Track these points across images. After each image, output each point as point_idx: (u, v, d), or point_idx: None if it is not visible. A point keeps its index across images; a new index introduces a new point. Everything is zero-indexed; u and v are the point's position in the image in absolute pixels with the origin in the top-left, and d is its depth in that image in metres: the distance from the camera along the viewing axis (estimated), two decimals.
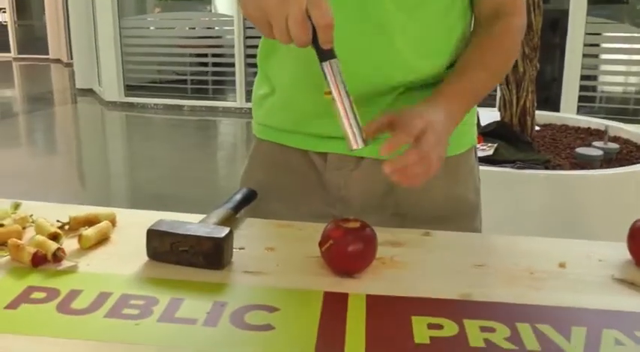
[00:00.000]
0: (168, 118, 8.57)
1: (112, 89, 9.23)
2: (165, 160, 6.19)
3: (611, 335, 0.80)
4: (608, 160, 2.83)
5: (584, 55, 6.62)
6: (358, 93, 0.96)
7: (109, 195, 5.17)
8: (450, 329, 0.80)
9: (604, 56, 7.27)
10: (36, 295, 0.86)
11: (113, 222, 1.10)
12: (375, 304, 0.86)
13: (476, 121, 1.31)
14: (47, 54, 17.43)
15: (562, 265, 0.99)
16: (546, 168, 2.66)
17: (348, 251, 0.91)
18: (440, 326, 0.80)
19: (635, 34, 6.98)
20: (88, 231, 1.02)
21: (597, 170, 2.66)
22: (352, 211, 1.18)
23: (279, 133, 1.25)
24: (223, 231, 0.95)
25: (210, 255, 0.93)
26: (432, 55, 1.15)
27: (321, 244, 0.93)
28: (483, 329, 0.80)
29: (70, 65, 13.73)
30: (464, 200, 1.25)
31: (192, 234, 0.94)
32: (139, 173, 5.87)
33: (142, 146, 7.02)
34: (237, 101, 8.52)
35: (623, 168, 2.67)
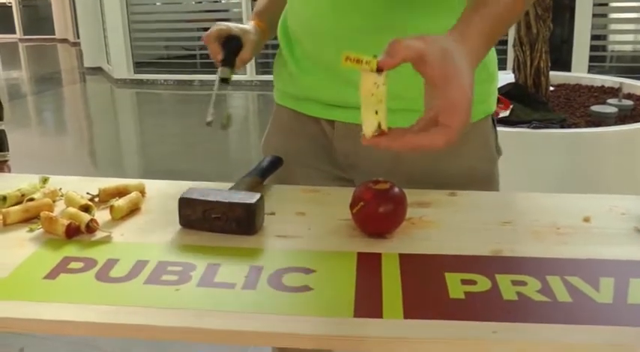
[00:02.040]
0: (178, 94, 8.56)
1: (121, 66, 9.21)
2: (177, 136, 6.20)
3: (638, 284, 0.81)
4: (623, 117, 2.82)
5: (594, 15, 6.56)
6: None
7: (122, 172, 5.19)
8: (483, 284, 0.81)
9: (613, 15, 7.20)
10: (73, 265, 0.88)
11: (142, 193, 1.11)
12: (408, 263, 0.87)
13: (494, 90, 1.25)
14: (53, 34, 17.38)
15: (586, 219, 1.00)
16: (562, 127, 2.65)
17: (379, 212, 0.92)
18: (473, 282, 0.82)
19: None
20: (119, 202, 1.04)
21: (613, 127, 2.65)
22: (363, 178, 1.19)
23: (294, 100, 1.28)
24: (254, 197, 0.96)
25: (243, 220, 0.94)
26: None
27: (352, 206, 0.94)
28: (515, 282, 0.81)
29: (77, 44, 13.69)
30: (477, 170, 1.22)
31: (223, 200, 0.96)
32: (151, 149, 5.89)
33: (154, 122, 7.03)
34: (248, 74, 8.48)
35: (638, 124, 2.67)
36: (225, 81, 1.28)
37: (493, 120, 1.28)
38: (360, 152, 1.20)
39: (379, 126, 0.79)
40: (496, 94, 1.28)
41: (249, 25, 1.34)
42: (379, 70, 0.76)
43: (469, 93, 0.78)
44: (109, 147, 6.13)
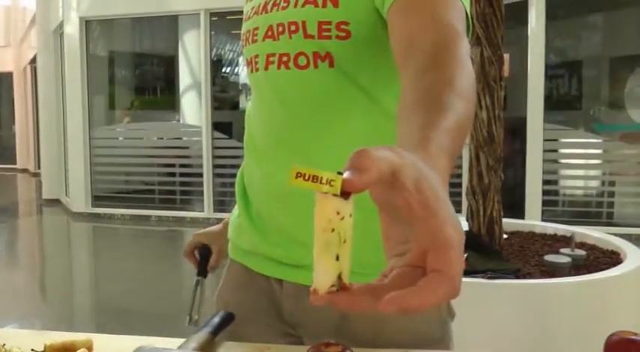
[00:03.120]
0: (135, 229, 8.51)
1: (79, 200, 9.19)
2: (131, 273, 6.10)
3: None
4: (577, 267, 2.87)
5: (545, 161, 6.82)
6: None
7: (73, 311, 5.05)
8: None
9: (563, 161, 7.48)
10: None
11: (90, 349, 1.08)
12: None
13: None
14: (14, 163, 17.42)
15: None
16: (517, 277, 2.69)
17: None
18: None
19: (591, 140, 7.24)
20: None
21: (567, 277, 2.68)
22: (311, 336, 1.18)
23: (244, 254, 1.28)
24: None
25: None
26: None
27: None
28: None
29: (37, 175, 13.70)
30: (425, 335, 1.16)
31: None
32: (104, 287, 5.77)
33: (108, 258, 6.93)
34: (205, 211, 8.52)
35: (592, 274, 2.71)
36: (198, 283, 1.50)
37: None
38: (307, 312, 1.17)
39: (339, 277, 0.58)
40: None
41: (222, 225, 1.47)
42: (345, 194, 0.55)
43: (460, 227, 0.58)
44: (61, 284, 5.99)
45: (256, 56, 1.17)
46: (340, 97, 1.11)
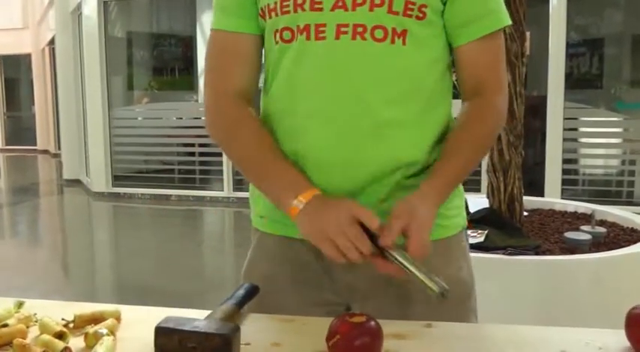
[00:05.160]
0: (155, 208, 8.57)
1: (99, 180, 9.26)
2: (152, 251, 6.16)
3: None
4: (597, 244, 2.86)
5: (565, 139, 6.76)
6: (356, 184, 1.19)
7: (94, 288, 5.12)
8: None
9: (583, 140, 7.42)
10: None
11: (118, 320, 1.11)
12: None
13: (464, 204, 1.35)
14: (35, 145, 17.56)
15: None
16: (537, 253, 2.68)
17: (355, 345, 0.92)
18: None
19: (612, 118, 7.17)
20: (95, 329, 1.03)
21: (587, 254, 2.68)
22: (358, 297, 1.24)
23: (283, 226, 1.27)
24: (231, 327, 0.96)
25: (219, 351, 0.94)
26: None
27: (328, 339, 0.94)
28: None
29: (57, 156, 13.81)
30: (459, 280, 1.28)
31: (200, 330, 0.96)
32: (125, 265, 5.83)
33: (129, 237, 7.00)
34: (225, 190, 8.55)
35: (612, 251, 2.71)
36: None
37: (466, 234, 1.35)
38: (356, 269, 1.18)
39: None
40: (464, 208, 1.35)
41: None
42: None
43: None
44: (82, 261, 6.06)
45: (322, 25, 1.17)
46: (414, 73, 1.20)
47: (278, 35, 1.22)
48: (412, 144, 1.21)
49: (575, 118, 6.92)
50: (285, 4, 1.19)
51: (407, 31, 1.17)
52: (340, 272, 1.24)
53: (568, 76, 6.79)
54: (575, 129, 7.08)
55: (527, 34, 3.17)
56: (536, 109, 6.91)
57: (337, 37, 1.16)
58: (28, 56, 17.89)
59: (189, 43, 10.34)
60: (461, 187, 1.31)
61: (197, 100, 9.98)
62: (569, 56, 6.98)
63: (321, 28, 1.17)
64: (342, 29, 1.16)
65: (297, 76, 1.21)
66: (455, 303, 1.19)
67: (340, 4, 1.15)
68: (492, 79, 1.26)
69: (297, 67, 1.21)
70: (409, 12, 1.16)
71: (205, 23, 9.60)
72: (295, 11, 1.18)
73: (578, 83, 7.56)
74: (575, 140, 7.17)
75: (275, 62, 1.25)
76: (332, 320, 0.97)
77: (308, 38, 1.18)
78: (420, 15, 1.17)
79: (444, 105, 1.25)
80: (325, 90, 1.19)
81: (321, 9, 1.16)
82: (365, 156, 1.19)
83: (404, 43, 1.17)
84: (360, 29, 1.15)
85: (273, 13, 1.21)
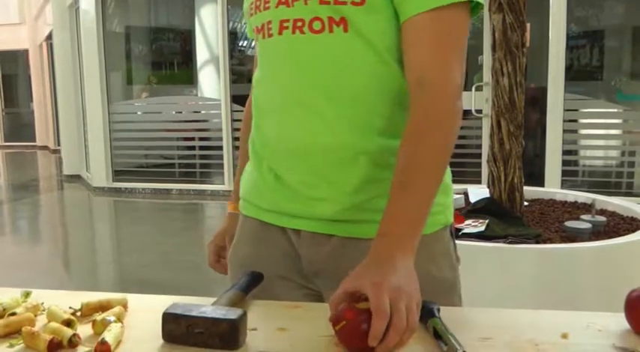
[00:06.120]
0: (156, 202, 8.58)
1: (99, 174, 9.26)
2: (153, 245, 6.16)
3: None
4: (597, 233, 2.87)
5: (565, 131, 6.77)
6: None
7: (96, 282, 5.12)
8: None
9: (583, 131, 7.43)
10: None
11: (125, 307, 1.12)
12: None
13: (450, 202, 1.31)
14: (34, 141, 17.54)
15: (564, 336, 1.02)
16: (537, 242, 2.70)
17: (361, 330, 0.93)
18: None
19: (611, 110, 7.17)
20: (103, 317, 1.04)
21: (587, 242, 2.70)
22: (329, 287, 1.22)
23: (260, 211, 1.32)
24: (238, 313, 0.97)
25: (227, 336, 0.95)
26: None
27: (334, 324, 0.95)
28: None
29: (56, 152, 13.81)
30: (439, 278, 1.25)
31: (207, 316, 0.96)
32: (126, 259, 5.84)
33: (130, 231, 7.00)
34: (226, 184, 8.56)
35: (612, 239, 2.72)
36: None
37: (451, 232, 1.32)
38: (324, 260, 1.23)
39: None
40: (452, 207, 1.33)
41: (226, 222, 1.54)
42: None
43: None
44: (84, 256, 6.07)
45: (269, 22, 1.22)
46: (353, 59, 1.17)
47: (254, 35, 1.31)
48: (362, 131, 1.18)
49: (575, 110, 6.93)
50: (251, 6, 1.28)
51: (346, 19, 1.15)
52: (308, 260, 1.27)
53: (568, 68, 6.79)
54: (575, 121, 7.08)
55: (527, 25, 3.18)
56: (537, 101, 6.91)
57: (280, 33, 1.21)
58: (25, 52, 17.85)
59: (188, 37, 10.33)
60: (448, 182, 1.27)
61: (196, 94, 9.98)
62: (570, 48, 6.97)
63: (269, 26, 1.23)
64: (284, 24, 1.20)
65: (259, 72, 1.31)
66: (436, 300, 1.13)
67: (283, 0, 1.19)
68: (436, 66, 1.13)
69: (260, 64, 1.31)
70: None
71: (204, 17, 9.59)
72: (256, 12, 1.26)
73: (578, 75, 7.56)
74: (575, 131, 7.17)
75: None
76: (339, 307, 0.98)
77: (263, 36, 1.25)
78: (358, 0, 1.13)
79: (398, 93, 1.18)
80: (274, 84, 1.26)
81: (268, 7, 1.22)
82: (312, 144, 1.20)
83: (345, 30, 1.15)
84: (299, 24, 1.18)
85: (249, 16, 1.31)
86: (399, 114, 1.17)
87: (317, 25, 1.16)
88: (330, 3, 1.14)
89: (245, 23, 1.41)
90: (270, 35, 1.23)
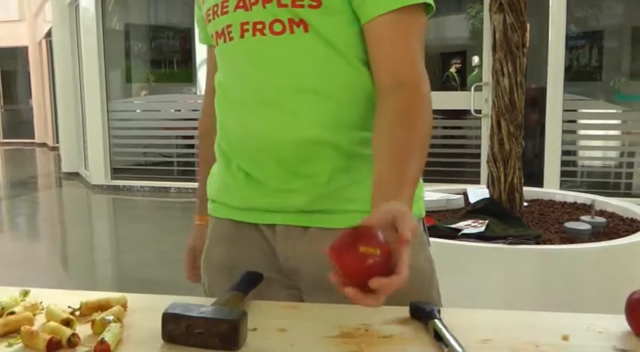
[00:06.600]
0: (154, 200, 8.57)
1: (98, 172, 9.25)
2: (152, 243, 6.16)
3: None
4: (597, 234, 2.87)
5: (564, 131, 6.77)
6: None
7: (95, 280, 5.12)
8: None
9: (582, 132, 7.43)
10: None
11: (124, 307, 1.11)
12: None
13: (422, 195, 1.33)
14: (33, 138, 17.53)
15: (565, 337, 1.01)
16: (537, 243, 2.69)
17: (388, 267, 0.89)
18: None
19: (610, 110, 7.17)
20: (102, 316, 1.03)
21: (588, 244, 2.69)
22: (306, 283, 1.26)
23: (233, 211, 1.32)
24: (238, 313, 0.97)
25: (227, 336, 0.94)
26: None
27: (365, 247, 0.90)
28: None
29: (55, 149, 13.80)
30: (417, 267, 1.21)
31: (207, 316, 0.96)
32: (125, 257, 5.83)
33: (129, 229, 7.00)
34: None
35: (613, 241, 2.72)
36: None
37: (424, 226, 1.34)
38: (300, 254, 1.24)
39: None
40: (423, 199, 1.34)
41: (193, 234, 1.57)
42: None
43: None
44: (82, 254, 6.06)
45: (229, 26, 1.23)
46: (315, 58, 1.19)
47: (213, 41, 1.32)
48: (329, 124, 1.19)
49: (575, 110, 6.93)
50: (208, 12, 1.28)
51: (304, 21, 1.17)
52: (284, 255, 1.27)
53: (567, 68, 6.79)
54: (575, 121, 7.08)
55: (527, 25, 3.18)
56: (536, 101, 6.90)
57: (242, 36, 1.22)
58: (24, 49, 17.83)
59: (187, 35, 10.31)
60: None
61: (195, 92, 9.97)
62: (569, 48, 6.97)
63: (229, 29, 1.24)
64: (245, 27, 1.21)
65: (221, 75, 1.32)
66: (414, 291, 1.13)
67: (241, 4, 1.20)
68: (409, 65, 1.16)
69: (221, 67, 1.32)
70: (298, 2, 1.16)
71: None
72: (214, 17, 1.27)
73: (577, 75, 7.56)
74: (574, 132, 7.17)
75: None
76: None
77: (224, 41, 1.26)
78: (314, 4, 1.16)
79: (363, 88, 1.21)
80: (238, 85, 1.26)
81: (227, 12, 1.23)
82: (279, 139, 1.20)
83: (306, 30, 1.17)
84: (259, 26, 1.19)
85: (205, 22, 1.32)
86: (365, 107, 1.20)
87: (277, 27, 1.18)
88: (288, 6, 1.16)
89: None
90: (231, 39, 1.24)
